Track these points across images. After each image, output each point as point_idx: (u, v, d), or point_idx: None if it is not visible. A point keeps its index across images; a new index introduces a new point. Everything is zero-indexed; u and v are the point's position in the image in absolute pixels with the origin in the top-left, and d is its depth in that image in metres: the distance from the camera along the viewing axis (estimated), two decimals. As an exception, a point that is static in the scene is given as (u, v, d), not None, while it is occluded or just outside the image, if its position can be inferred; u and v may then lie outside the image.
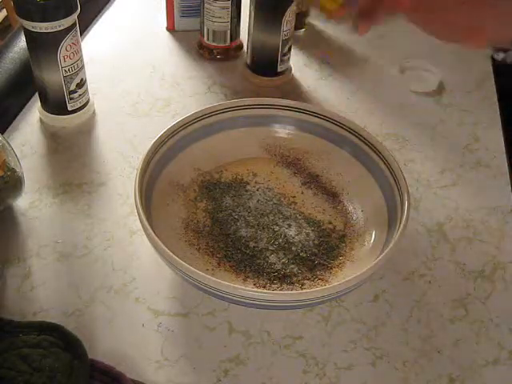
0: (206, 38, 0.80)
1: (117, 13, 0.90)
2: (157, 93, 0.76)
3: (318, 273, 0.54)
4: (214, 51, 0.81)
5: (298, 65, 0.82)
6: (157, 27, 0.87)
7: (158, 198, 0.55)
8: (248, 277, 0.53)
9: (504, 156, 0.70)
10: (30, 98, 0.73)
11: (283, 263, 0.54)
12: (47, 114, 0.69)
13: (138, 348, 0.50)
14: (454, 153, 0.70)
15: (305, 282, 0.53)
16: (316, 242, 0.56)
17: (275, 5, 0.71)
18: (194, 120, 0.59)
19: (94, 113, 0.72)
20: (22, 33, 0.65)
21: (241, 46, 0.83)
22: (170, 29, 0.87)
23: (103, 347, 0.50)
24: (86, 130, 0.70)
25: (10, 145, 0.57)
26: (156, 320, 0.52)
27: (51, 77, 0.65)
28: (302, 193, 0.61)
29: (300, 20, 0.84)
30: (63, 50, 0.63)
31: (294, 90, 0.78)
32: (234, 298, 0.46)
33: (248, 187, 0.61)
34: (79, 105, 0.69)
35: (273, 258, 0.54)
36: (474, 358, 0.51)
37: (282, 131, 0.63)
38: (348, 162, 0.60)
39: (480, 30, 0.47)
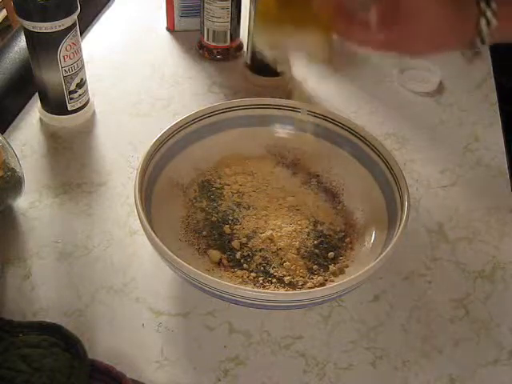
0: (205, 38, 0.80)
1: (117, 13, 0.90)
2: (157, 93, 0.76)
3: (317, 273, 0.54)
4: (214, 51, 0.81)
5: (298, 65, 0.81)
6: (157, 27, 0.87)
7: (158, 198, 0.55)
8: (248, 277, 0.53)
9: (504, 156, 0.70)
10: (30, 98, 0.73)
11: (283, 263, 0.54)
12: (47, 113, 0.69)
13: (138, 348, 0.50)
14: (454, 153, 0.70)
15: (305, 281, 0.53)
16: (316, 242, 0.56)
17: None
18: (194, 120, 0.59)
19: (93, 113, 0.72)
20: (22, 33, 0.65)
21: (241, 46, 0.83)
22: (170, 29, 0.87)
23: (103, 347, 0.50)
24: (86, 130, 0.70)
25: (10, 145, 0.57)
26: (156, 320, 0.52)
27: (51, 77, 0.65)
28: (302, 193, 0.61)
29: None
30: (63, 50, 0.63)
31: (294, 90, 0.78)
32: (234, 297, 0.46)
33: (248, 187, 0.61)
34: (79, 105, 0.69)
35: (273, 258, 0.54)
36: (474, 358, 0.51)
37: (282, 131, 0.63)
38: (348, 162, 0.60)
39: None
